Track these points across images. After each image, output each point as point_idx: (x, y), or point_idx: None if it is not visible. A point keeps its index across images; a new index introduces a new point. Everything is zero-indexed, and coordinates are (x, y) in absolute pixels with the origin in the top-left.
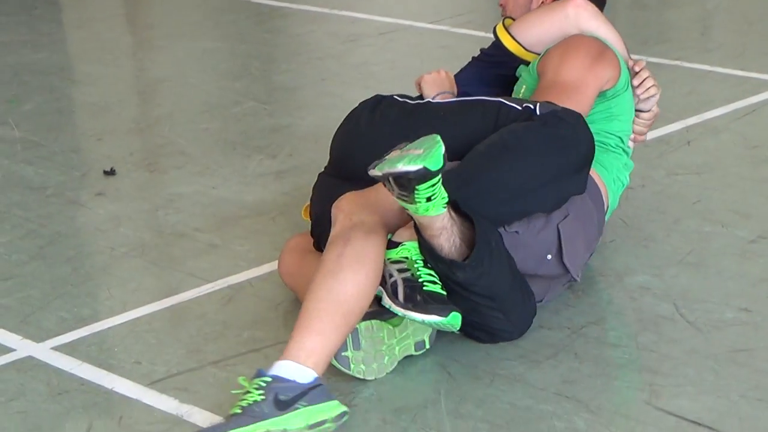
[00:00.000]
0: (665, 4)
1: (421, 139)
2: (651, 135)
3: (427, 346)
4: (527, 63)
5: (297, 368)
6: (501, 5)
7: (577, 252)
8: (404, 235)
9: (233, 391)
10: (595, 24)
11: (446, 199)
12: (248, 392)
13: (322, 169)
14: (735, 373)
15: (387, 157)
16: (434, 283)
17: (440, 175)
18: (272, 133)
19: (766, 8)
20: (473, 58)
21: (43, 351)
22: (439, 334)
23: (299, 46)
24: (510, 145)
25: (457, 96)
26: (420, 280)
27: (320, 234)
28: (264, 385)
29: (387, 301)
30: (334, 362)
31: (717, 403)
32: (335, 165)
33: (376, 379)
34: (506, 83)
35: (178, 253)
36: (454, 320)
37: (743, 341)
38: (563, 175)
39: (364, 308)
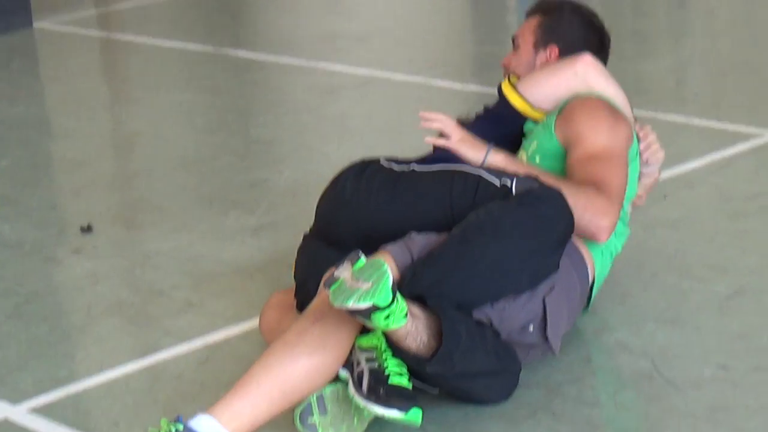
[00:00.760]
0: (641, 54)
1: (369, 263)
2: None
3: None
4: (534, 120)
5: (215, 427)
6: (504, 65)
7: (559, 325)
8: None
9: (150, 429)
10: (604, 83)
11: (405, 311)
12: None
13: (307, 230)
14: None
15: (338, 274)
16: (401, 375)
17: (394, 298)
18: (250, 188)
19: (739, 58)
20: (477, 116)
21: (20, 413)
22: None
23: (276, 98)
24: (486, 228)
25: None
26: (386, 372)
27: (302, 300)
28: None
29: (351, 390)
30: (301, 429)
31: None
32: (320, 230)
33: None
34: (513, 142)
35: (155, 311)
36: (414, 417)
37: (722, 399)
38: (538, 256)
39: (313, 389)
